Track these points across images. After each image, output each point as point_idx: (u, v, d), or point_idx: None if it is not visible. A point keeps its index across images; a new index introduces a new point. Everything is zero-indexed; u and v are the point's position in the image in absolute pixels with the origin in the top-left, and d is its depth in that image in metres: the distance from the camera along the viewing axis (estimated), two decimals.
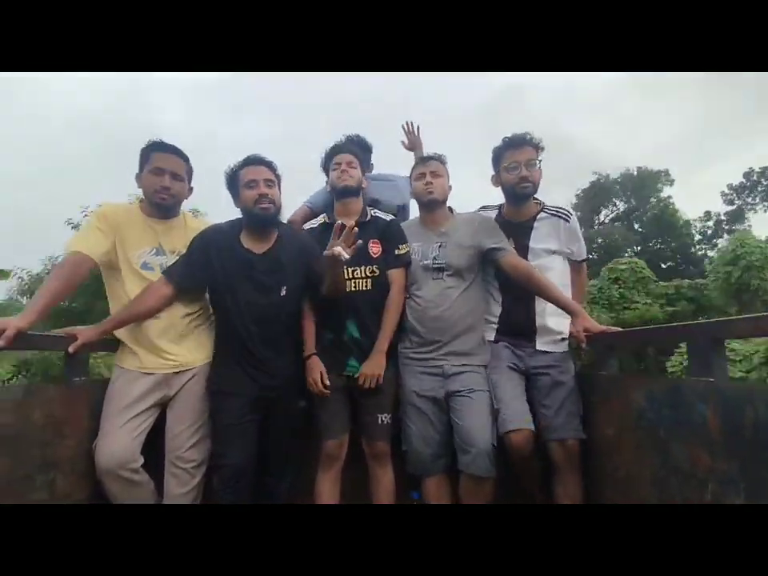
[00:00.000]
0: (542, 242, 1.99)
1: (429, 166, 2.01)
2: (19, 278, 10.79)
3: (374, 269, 1.93)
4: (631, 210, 27.81)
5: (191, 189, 1.97)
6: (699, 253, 27.24)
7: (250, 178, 1.80)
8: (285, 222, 2.08)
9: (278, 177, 1.87)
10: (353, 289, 1.90)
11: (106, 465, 1.60)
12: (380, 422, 1.88)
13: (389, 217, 2.07)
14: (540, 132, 2.02)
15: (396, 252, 1.96)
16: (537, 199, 2.06)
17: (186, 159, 1.90)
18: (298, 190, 2.53)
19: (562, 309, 1.86)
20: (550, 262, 1.99)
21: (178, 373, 1.79)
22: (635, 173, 27.31)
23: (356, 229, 1.66)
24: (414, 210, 2.41)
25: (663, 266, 24.44)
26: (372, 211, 2.06)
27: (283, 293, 1.81)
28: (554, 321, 1.94)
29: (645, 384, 1.53)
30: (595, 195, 27.40)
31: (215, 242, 1.82)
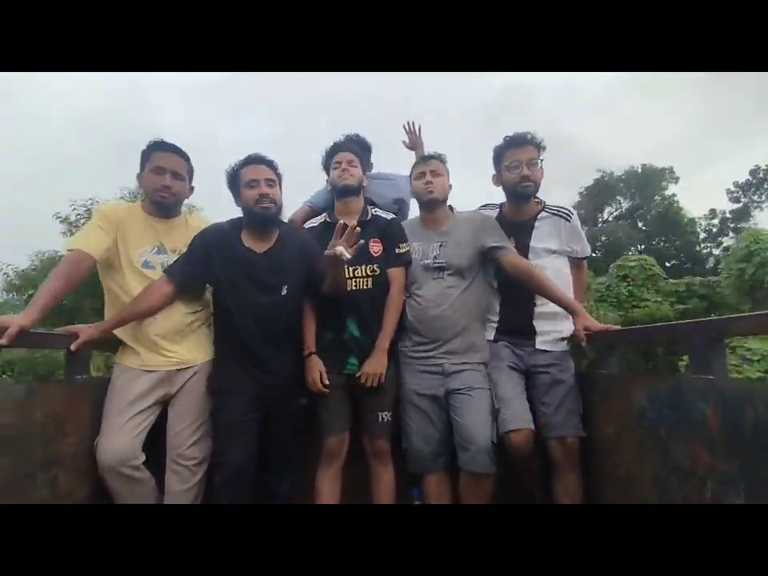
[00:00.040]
0: (543, 241, 1.98)
1: (429, 165, 2.01)
2: (5, 273, 10.79)
3: (375, 268, 1.93)
4: (635, 208, 27.69)
5: (192, 188, 1.98)
6: (704, 251, 27.10)
7: (250, 177, 1.80)
8: (285, 221, 2.08)
9: (279, 176, 1.87)
10: (353, 288, 1.90)
11: (108, 462, 1.61)
12: (380, 419, 1.89)
13: (390, 216, 2.07)
14: (540, 132, 2.02)
15: (396, 251, 1.96)
16: (538, 198, 2.05)
17: (186, 158, 1.91)
18: (298, 191, 2.53)
19: (563, 307, 1.86)
20: (551, 261, 1.98)
21: (179, 371, 1.79)
22: (639, 170, 27.19)
23: (358, 229, 1.66)
24: (414, 209, 2.41)
25: (667, 264, 24.34)
26: (373, 210, 2.06)
27: (284, 292, 1.82)
28: (553, 320, 1.94)
29: (645, 382, 1.53)
30: (599, 193, 27.30)
31: (216, 241, 1.83)
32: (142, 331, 1.77)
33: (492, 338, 1.99)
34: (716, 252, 26.52)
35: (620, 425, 1.65)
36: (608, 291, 13.15)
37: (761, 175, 26.03)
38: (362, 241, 1.67)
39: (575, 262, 2.15)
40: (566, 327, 1.92)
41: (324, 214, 2.10)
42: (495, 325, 2.00)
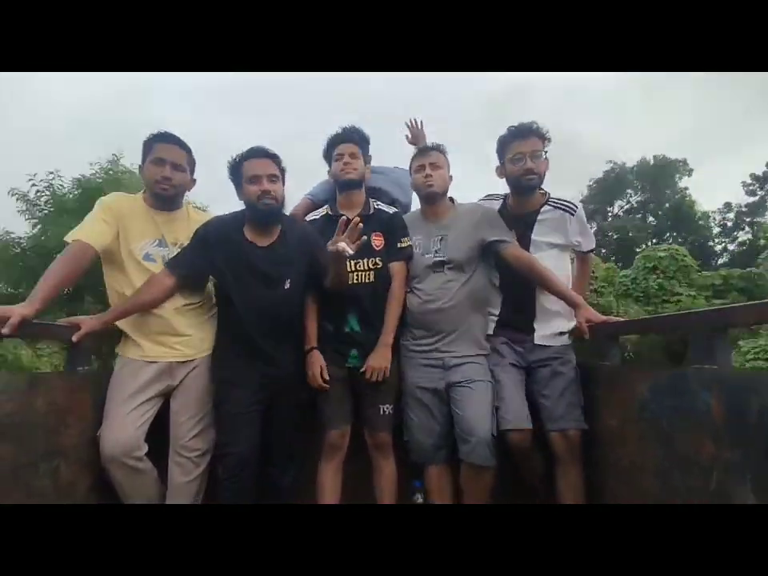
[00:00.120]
0: (546, 234, 1.96)
1: (428, 157, 1.98)
2: None
3: (377, 261, 1.93)
4: (647, 202, 27.27)
5: (194, 180, 1.97)
6: (719, 246, 26.62)
7: (253, 172, 1.79)
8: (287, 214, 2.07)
9: (282, 170, 1.86)
10: (355, 281, 1.90)
11: (111, 452, 1.62)
12: (382, 412, 1.89)
13: (392, 209, 2.06)
14: (547, 126, 1.97)
15: (398, 245, 1.95)
16: (542, 189, 2.02)
17: (188, 150, 1.90)
18: (298, 191, 2.50)
19: (564, 300, 1.84)
20: (552, 254, 1.95)
21: (181, 363, 1.80)
22: (652, 161, 26.73)
23: (360, 225, 1.64)
24: (415, 203, 2.39)
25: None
26: (375, 203, 2.05)
27: (287, 285, 1.82)
28: (553, 316, 1.92)
29: (648, 373, 1.51)
30: (610, 186, 26.90)
31: (218, 234, 1.83)
32: (144, 323, 1.78)
33: (492, 332, 1.97)
34: (731, 247, 26.05)
35: (623, 417, 1.64)
36: (634, 285, 11.92)
37: None
38: (364, 237, 1.66)
39: (580, 256, 2.13)
40: (566, 322, 1.90)
41: (325, 207, 2.09)
42: (495, 318, 1.98)
